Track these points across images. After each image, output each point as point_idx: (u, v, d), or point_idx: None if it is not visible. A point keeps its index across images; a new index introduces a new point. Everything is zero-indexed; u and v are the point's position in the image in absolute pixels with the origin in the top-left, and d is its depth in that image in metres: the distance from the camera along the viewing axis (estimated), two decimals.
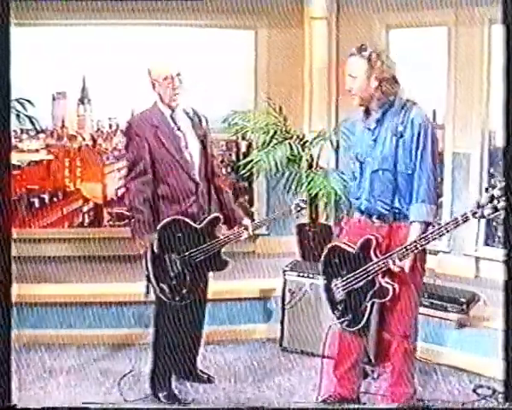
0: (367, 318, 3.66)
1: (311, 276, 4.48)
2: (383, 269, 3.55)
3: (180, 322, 3.88)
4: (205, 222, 3.81)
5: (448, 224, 3.42)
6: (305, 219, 4.99)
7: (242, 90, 5.39)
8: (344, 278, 3.67)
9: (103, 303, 4.60)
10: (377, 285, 3.59)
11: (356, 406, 3.89)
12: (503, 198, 3.30)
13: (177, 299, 3.80)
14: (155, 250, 3.74)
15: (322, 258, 3.75)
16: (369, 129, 3.61)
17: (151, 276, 3.77)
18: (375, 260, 3.56)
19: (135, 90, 4.95)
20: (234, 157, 5.53)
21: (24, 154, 5.33)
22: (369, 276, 3.59)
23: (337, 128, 5.01)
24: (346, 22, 5.14)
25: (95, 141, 5.43)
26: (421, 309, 4.34)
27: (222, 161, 5.47)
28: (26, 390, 4.01)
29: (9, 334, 3.66)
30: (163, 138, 3.78)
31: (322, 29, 5.27)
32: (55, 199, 5.42)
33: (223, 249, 3.87)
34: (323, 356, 3.84)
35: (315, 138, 5.04)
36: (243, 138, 5.39)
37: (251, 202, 5.54)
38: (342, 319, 3.70)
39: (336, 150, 5.10)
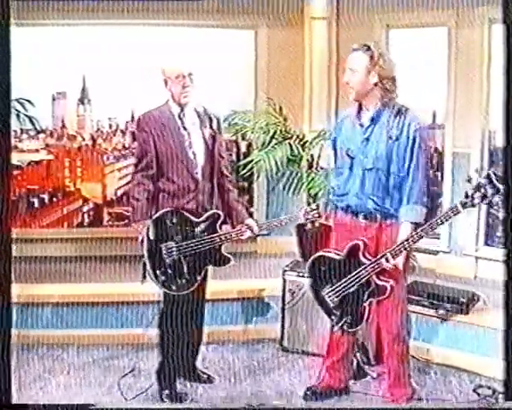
0: (367, 317, 3.66)
1: None
2: (377, 270, 3.56)
3: (182, 321, 3.90)
4: (203, 217, 3.87)
5: (439, 218, 3.44)
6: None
7: (242, 90, 5.38)
8: (335, 286, 3.68)
9: (103, 303, 4.60)
10: (373, 285, 3.60)
11: (356, 406, 3.90)
12: (490, 185, 3.31)
13: (173, 288, 3.84)
14: (151, 237, 3.81)
15: (308, 269, 3.76)
16: (361, 126, 3.62)
17: (147, 262, 3.83)
18: (366, 262, 3.58)
19: (135, 90, 4.97)
20: (234, 157, 5.52)
21: (24, 154, 5.32)
22: (362, 279, 3.60)
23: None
24: (346, 22, 5.13)
25: (95, 141, 5.42)
26: (421, 309, 4.35)
27: None
28: (25, 390, 4.01)
29: (9, 334, 3.67)
30: (168, 136, 3.88)
31: (322, 29, 5.26)
32: (54, 199, 5.42)
33: (223, 248, 3.91)
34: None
35: (315, 138, 5.02)
36: (243, 138, 5.38)
37: (251, 202, 5.53)
38: (341, 323, 3.71)
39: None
